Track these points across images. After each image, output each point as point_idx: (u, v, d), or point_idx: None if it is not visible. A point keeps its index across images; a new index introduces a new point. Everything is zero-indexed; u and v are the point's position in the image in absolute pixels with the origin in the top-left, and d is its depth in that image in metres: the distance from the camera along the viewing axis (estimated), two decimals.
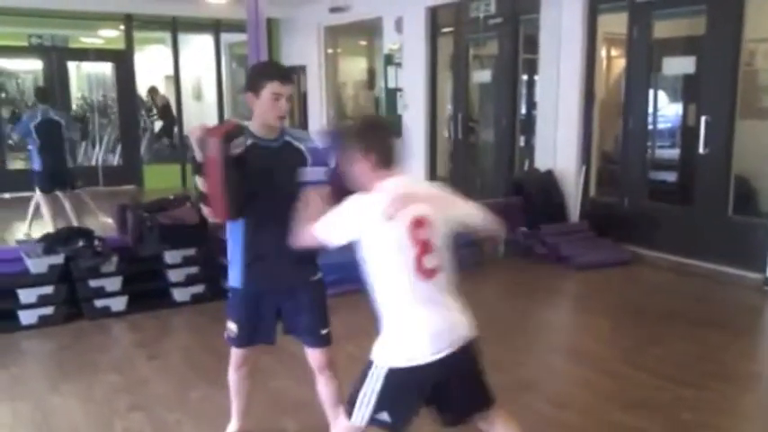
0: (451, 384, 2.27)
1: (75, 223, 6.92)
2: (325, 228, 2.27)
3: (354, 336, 3.32)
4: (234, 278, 2.77)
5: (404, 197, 2.19)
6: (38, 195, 7.29)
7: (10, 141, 7.50)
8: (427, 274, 2.19)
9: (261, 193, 2.59)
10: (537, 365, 4.23)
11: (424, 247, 2.18)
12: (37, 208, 7.43)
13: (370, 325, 2.30)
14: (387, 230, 2.17)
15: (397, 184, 2.23)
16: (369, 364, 2.25)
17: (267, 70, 2.78)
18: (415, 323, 2.20)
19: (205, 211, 2.63)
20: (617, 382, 3.83)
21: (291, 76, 2.73)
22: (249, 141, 2.59)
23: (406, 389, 2.23)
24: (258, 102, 2.60)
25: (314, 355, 2.82)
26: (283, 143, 2.69)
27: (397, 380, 2.20)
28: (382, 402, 2.22)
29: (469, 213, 2.42)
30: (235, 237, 2.73)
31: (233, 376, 2.99)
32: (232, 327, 2.82)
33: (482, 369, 2.35)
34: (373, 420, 2.25)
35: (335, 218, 2.26)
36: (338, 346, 2.88)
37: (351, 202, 2.24)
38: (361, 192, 2.26)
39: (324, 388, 2.86)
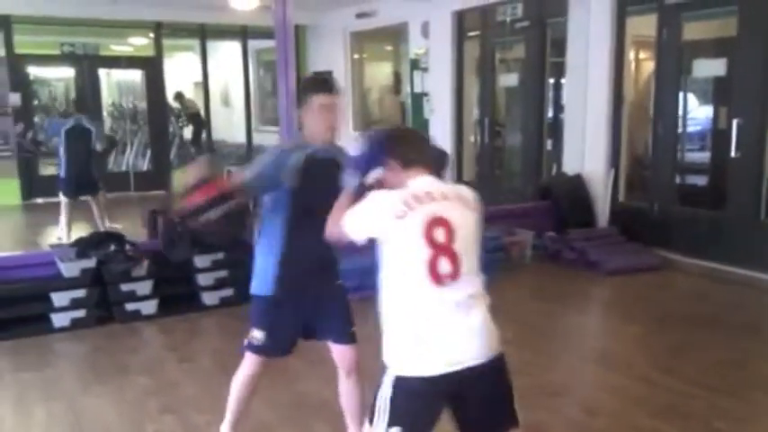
0: (469, 402, 2.15)
1: (102, 228, 7.01)
2: (350, 222, 2.23)
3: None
4: (264, 287, 2.77)
5: (422, 195, 2.11)
6: (61, 201, 7.42)
7: (40, 141, 7.63)
8: (441, 280, 2.06)
9: (309, 203, 2.60)
10: (567, 371, 4.20)
11: (440, 251, 2.06)
12: (68, 212, 7.56)
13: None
14: (398, 228, 2.07)
15: (420, 183, 2.17)
16: (383, 369, 2.16)
17: (313, 82, 2.88)
18: (427, 332, 2.07)
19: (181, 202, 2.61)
20: (648, 389, 3.78)
21: (338, 86, 2.78)
22: (310, 150, 2.68)
23: (414, 399, 2.12)
24: (307, 114, 2.67)
25: (344, 353, 2.83)
26: (333, 154, 2.73)
27: (405, 389, 2.10)
28: (394, 413, 2.11)
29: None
30: (270, 245, 2.75)
31: (247, 386, 2.93)
32: (258, 335, 2.82)
33: (509, 389, 2.22)
34: None
35: (357, 213, 2.20)
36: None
37: (370, 198, 2.20)
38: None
39: (348, 394, 2.87)
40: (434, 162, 2.31)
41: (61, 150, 7.28)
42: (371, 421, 2.19)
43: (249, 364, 2.91)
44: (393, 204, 2.09)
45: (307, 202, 2.63)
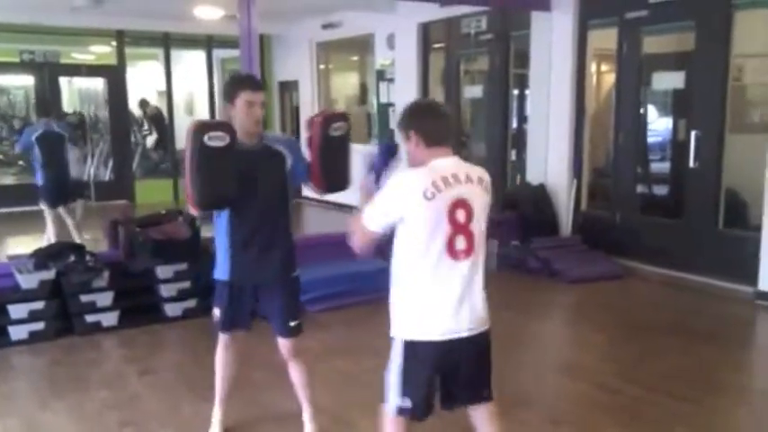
0: (461, 368, 2.38)
1: (77, 238, 6.79)
2: (371, 216, 2.31)
3: (344, 352, 3.31)
4: (221, 271, 3.05)
5: (450, 177, 2.25)
6: (45, 211, 7.09)
7: (12, 153, 7.31)
8: (457, 255, 2.27)
9: (243, 195, 2.85)
10: (531, 380, 4.22)
11: (459, 229, 2.26)
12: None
13: (360, 341, 2.32)
14: (426, 208, 2.22)
15: (446, 164, 2.30)
16: (392, 343, 2.37)
17: (238, 80, 3.09)
18: (437, 300, 2.29)
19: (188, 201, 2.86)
20: (612, 397, 3.83)
21: (261, 84, 3.05)
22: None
23: (421, 364, 2.32)
24: (235, 110, 2.88)
25: (283, 344, 3.14)
26: (262, 147, 2.96)
27: (414, 353, 2.31)
28: (404, 382, 2.32)
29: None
30: (221, 234, 3.02)
31: (221, 356, 3.25)
32: (217, 312, 3.12)
33: (490, 364, 2.48)
34: (399, 411, 2.36)
35: (383, 196, 2.30)
36: (326, 360, 2.89)
37: (394, 181, 2.31)
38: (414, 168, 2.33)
39: (293, 371, 3.22)
40: (455, 139, 2.37)
41: (37, 160, 6.93)
42: (386, 398, 2.39)
43: (220, 339, 3.24)
44: (423, 185, 2.22)
45: (243, 194, 2.85)
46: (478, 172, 2.36)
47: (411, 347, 2.32)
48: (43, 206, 7.06)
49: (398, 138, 2.49)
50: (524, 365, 4.48)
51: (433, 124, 2.34)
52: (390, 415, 2.40)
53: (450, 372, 2.39)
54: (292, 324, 3.09)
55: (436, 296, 2.29)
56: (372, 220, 2.30)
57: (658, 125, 7.84)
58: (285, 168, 2.98)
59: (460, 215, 2.26)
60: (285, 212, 3.04)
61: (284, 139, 3.11)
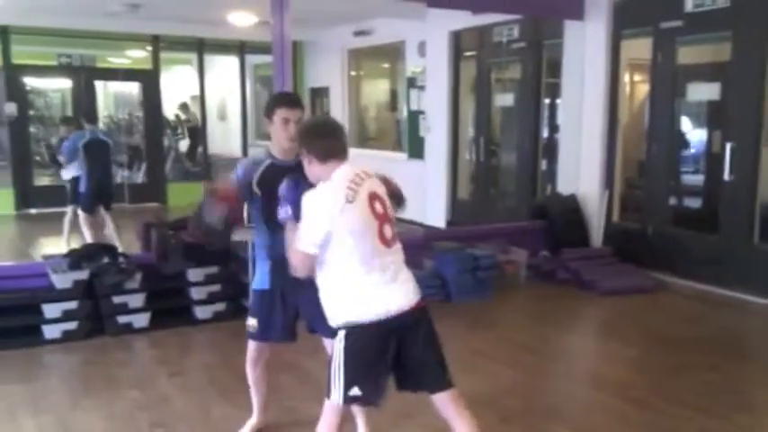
0: (409, 345, 2.48)
1: (117, 242, 6.90)
2: (303, 240, 2.44)
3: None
4: (259, 281, 3.14)
5: (355, 178, 2.46)
6: (80, 216, 7.25)
7: (60, 158, 7.44)
8: (387, 243, 2.48)
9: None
10: (560, 392, 4.18)
11: (383, 219, 2.48)
12: (72, 224, 7.47)
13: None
14: (352, 210, 2.40)
15: (344, 170, 2.49)
16: (332, 342, 2.52)
17: (276, 98, 3.18)
18: (373, 284, 2.44)
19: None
20: (641, 411, 3.77)
21: (299, 101, 3.10)
22: (268, 162, 3.02)
23: (365, 348, 2.44)
24: (272, 126, 2.99)
25: (330, 346, 3.01)
26: (297, 162, 2.90)
27: (356, 338, 2.42)
28: (349, 372, 2.42)
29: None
30: (260, 245, 3.13)
31: (250, 372, 3.30)
32: (252, 322, 3.15)
33: (437, 342, 2.56)
34: (347, 399, 2.44)
35: (305, 226, 2.43)
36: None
37: (310, 204, 2.43)
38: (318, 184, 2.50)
39: None
40: (345, 150, 2.58)
41: (82, 166, 7.09)
42: (329, 395, 2.48)
43: (249, 351, 3.26)
44: (340, 193, 2.41)
45: (272, 205, 2.86)
46: (367, 168, 2.59)
47: (352, 333, 2.43)
48: (79, 212, 7.22)
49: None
50: (554, 377, 4.44)
51: (322, 142, 2.53)
52: (336, 406, 2.48)
53: (400, 351, 2.48)
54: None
55: (372, 281, 2.44)
56: (307, 244, 2.43)
57: (692, 137, 7.75)
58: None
59: (378, 207, 2.48)
60: None
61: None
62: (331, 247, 2.42)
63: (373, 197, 2.48)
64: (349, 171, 2.49)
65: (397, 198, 2.78)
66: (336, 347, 2.47)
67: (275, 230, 2.94)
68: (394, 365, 2.50)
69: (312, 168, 2.55)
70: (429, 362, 2.54)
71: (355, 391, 2.43)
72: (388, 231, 2.49)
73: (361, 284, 2.44)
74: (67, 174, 7.34)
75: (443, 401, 2.57)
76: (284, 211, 2.58)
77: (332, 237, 2.40)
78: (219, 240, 3.13)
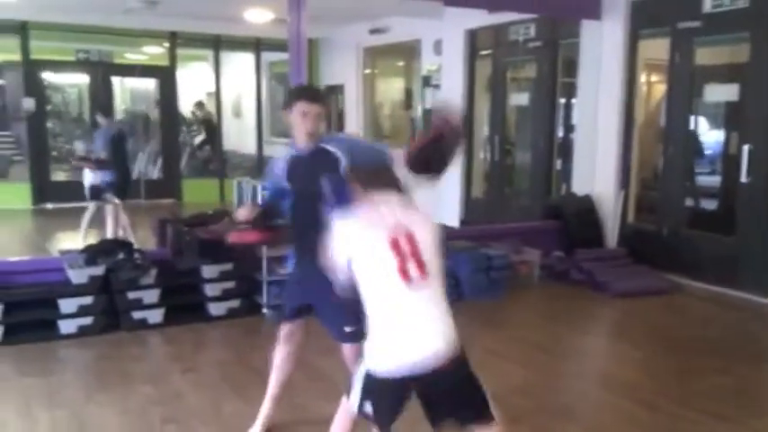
0: (432, 398, 2.35)
1: (132, 237, 6.98)
2: (334, 253, 2.46)
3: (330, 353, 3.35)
4: (289, 265, 3.27)
5: (384, 211, 2.41)
6: (109, 207, 7.35)
7: (67, 149, 7.57)
8: (412, 282, 2.30)
9: (299, 196, 3.08)
10: (572, 393, 4.18)
11: (407, 257, 2.32)
12: (91, 219, 7.55)
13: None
14: (367, 241, 2.37)
15: (381, 201, 2.46)
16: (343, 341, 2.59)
17: (296, 91, 3.25)
18: (394, 331, 2.31)
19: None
20: (652, 413, 3.76)
21: (320, 96, 3.14)
22: (291, 154, 3.12)
23: (381, 392, 2.36)
24: (291, 118, 3.02)
25: (345, 350, 3.11)
26: (316, 150, 3.03)
27: (374, 383, 2.35)
28: (365, 392, 2.38)
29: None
30: (291, 234, 3.20)
31: (279, 351, 3.30)
32: (282, 302, 3.33)
33: (473, 385, 2.40)
34: (360, 409, 2.41)
35: (334, 244, 2.46)
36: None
37: (335, 230, 2.46)
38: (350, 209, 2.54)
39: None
40: (394, 184, 2.55)
41: (106, 156, 7.25)
42: (348, 393, 2.46)
43: (281, 331, 3.31)
44: (357, 224, 2.44)
45: (302, 195, 3.06)
46: (414, 207, 2.52)
47: (372, 377, 2.35)
48: (114, 200, 7.33)
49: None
50: (565, 377, 4.44)
51: (366, 173, 2.58)
52: (351, 410, 2.46)
53: (429, 399, 2.35)
54: (347, 330, 2.99)
55: (391, 332, 2.31)
56: (338, 257, 2.44)
57: (709, 138, 7.68)
58: (339, 169, 2.96)
59: (404, 243, 2.32)
60: None
61: (344, 139, 3.19)
62: (358, 275, 2.38)
63: (399, 234, 2.34)
64: (387, 199, 2.46)
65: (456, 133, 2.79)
66: (362, 366, 2.41)
67: (301, 227, 3.08)
68: (426, 409, 2.39)
69: (356, 192, 2.55)
70: (467, 407, 2.40)
71: (368, 407, 2.38)
72: (413, 272, 2.30)
73: (383, 330, 2.33)
74: (102, 174, 7.38)
75: None
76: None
77: (355, 264, 2.37)
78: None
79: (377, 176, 2.56)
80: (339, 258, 2.42)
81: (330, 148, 3.01)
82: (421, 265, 2.31)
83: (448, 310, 2.39)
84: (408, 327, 2.30)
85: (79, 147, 8.47)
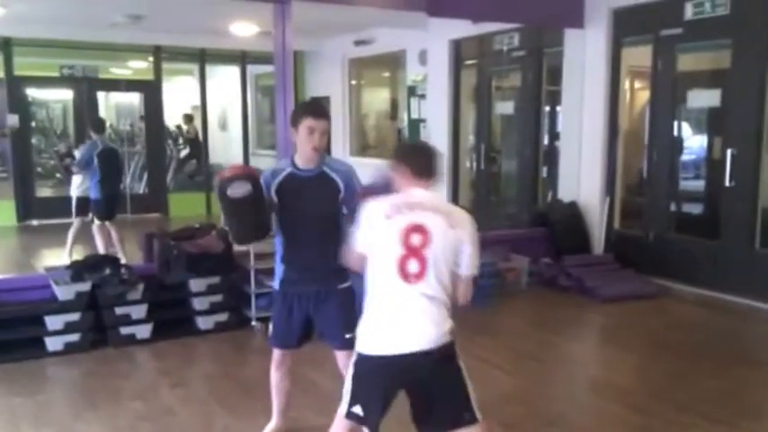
0: (426, 386, 2.40)
1: (121, 253, 6.94)
2: (355, 238, 2.52)
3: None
4: (275, 282, 3.21)
5: (409, 203, 2.42)
6: (95, 225, 7.30)
7: (73, 170, 7.44)
8: (408, 278, 2.36)
9: (294, 215, 3.05)
10: (563, 399, 4.18)
11: (412, 253, 2.36)
12: (76, 236, 7.50)
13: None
14: (382, 228, 2.40)
15: (416, 193, 2.47)
16: (344, 349, 2.59)
17: (303, 107, 3.22)
18: (384, 316, 2.40)
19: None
20: (646, 418, 3.77)
21: (325, 112, 3.12)
22: (288, 171, 3.07)
23: (371, 378, 2.41)
24: (297, 136, 3.01)
25: (339, 357, 3.12)
26: (319, 173, 3.06)
27: (363, 367, 2.41)
28: (355, 391, 2.43)
29: (465, 259, 2.48)
30: (277, 249, 3.19)
31: (273, 374, 3.32)
32: (270, 327, 3.25)
33: (461, 383, 2.45)
34: (349, 414, 2.44)
35: (359, 226, 2.50)
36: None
37: (365, 209, 2.51)
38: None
39: None
40: (435, 176, 2.56)
41: (94, 176, 7.13)
42: (341, 404, 2.49)
43: (273, 356, 3.31)
44: (383, 208, 2.43)
45: (294, 215, 3.06)
46: (450, 207, 2.53)
47: (361, 360, 2.43)
48: (95, 220, 7.25)
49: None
50: (556, 384, 4.44)
51: (420, 160, 2.55)
52: (341, 415, 2.49)
53: (416, 390, 2.43)
54: (347, 336, 2.96)
55: (386, 312, 2.40)
56: (359, 242, 2.50)
57: (693, 143, 7.75)
58: (338, 197, 3.05)
59: (416, 239, 2.36)
60: (334, 239, 2.98)
61: (344, 168, 3.14)
62: (371, 259, 2.45)
63: (415, 228, 2.36)
64: (412, 195, 2.47)
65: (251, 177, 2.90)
66: (352, 361, 2.48)
67: (290, 237, 3.08)
68: (412, 403, 2.46)
69: (400, 179, 2.55)
70: (453, 403, 2.44)
71: (357, 409, 2.42)
72: (413, 267, 2.35)
73: (378, 312, 2.42)
74: (80, 187, 7.37)
75: None
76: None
77: (370, 243, 2.45)
78: (253, 222, 3.01)
79: (421, 167, 2.53)
80: (361, 243, 2.48)
81: (333, 175, 3.07)
82: (423, 262, 2.35)
83: (445, 312, 2.43)
84: (400, 315, 2.38)
85: (61, 147, 8.33)
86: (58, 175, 8.63)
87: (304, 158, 3.04)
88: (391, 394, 2.44)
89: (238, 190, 2.90)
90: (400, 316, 2.38)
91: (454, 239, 2.41)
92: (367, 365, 2.41)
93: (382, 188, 2.65)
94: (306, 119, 2.97)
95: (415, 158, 2.55)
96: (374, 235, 2.43)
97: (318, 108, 3.15)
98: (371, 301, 2.45)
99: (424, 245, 2.36)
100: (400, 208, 2.41)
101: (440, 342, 2.38)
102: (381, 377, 2.41)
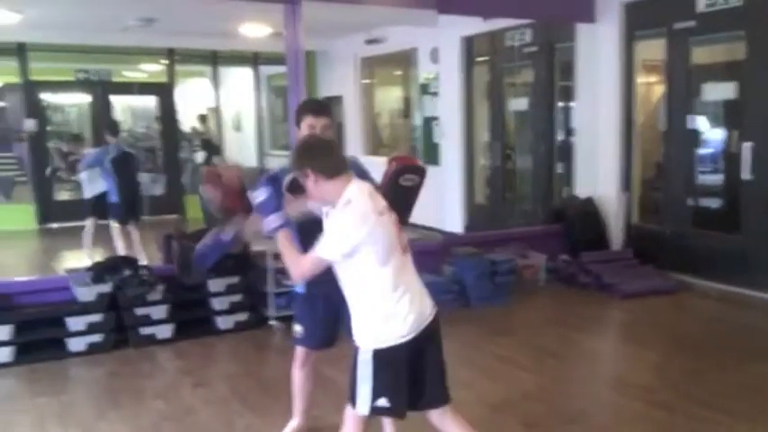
0: (426, 355, 2.50)
1: (142, 255, 6.98)
2: (327, 248, 2.44)
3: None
4: (300, 286, 3.17)
5: (372, 193, 2.51)
6: (113, 227, 7.34)
7: (74, 177, 7.48)
8: (405, 250, 2.54)
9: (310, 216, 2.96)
10: (583, 397, 4.17)
11: (397, 229, 2.53)
12: (93, 236, 7.55)
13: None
14: (382, 224, 2.44)
15: (360, 186, 2.50)
16: (356, 352, 2.50)
17: (303, 106, 3.22)
18: (401, 304, 2.44)
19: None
20: (667, 415, 3.75)
21: (325, 109, 3.15)
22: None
23: (393, 366, 2.43)
24: (300, 134, 3.04)
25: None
26: None
27: (384, 359, 2.42)
28: (378, 387, 2.43)
29: None
30: (299, 250, 3.11)
31: (297, 374, 3.34)
32: (298, 328, 3.24)
33: (443, 356, 2.58)
34: (374, 409, 2.44)
35: (334, 237, 2.43)
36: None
37: (344, 219, 2.42)
38: (328, 204, 2.51)
39: None
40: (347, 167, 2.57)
41: (110, 178, 7.18)
42: (354, 403, 2.48)
43: (297, 356, 3.31)
44: (371, 206, 2.44)
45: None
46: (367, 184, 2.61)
47: (382, 354, 2.43)
48: (113, 223, 7.30)
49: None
50: (576, 381, 4.43)
51: (327, 158, 2.52)
52: (361, 415, 2.49)
53: (418, 363, 2.48)
54: None
55: (400, 299, 2.45)
56: (332, 252, 2.43)
57: (709, 136, 7.69)
58: None
59: (392, 218, 2.52)
60: None
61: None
62: (355, 261, 2.43)
63: (384, 210, 2.50)
64: (364, 187, 2.51)
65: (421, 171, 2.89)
66: (362, 358, 2.47)
67: (307, 237, 3.00)
68: (412, 373, 2.49)
69: (320, 187, 2.49)
70: (439, 370, 2.56)
71: (383, 402, 2.43)
72: (402, 240, 2.54)
73: (394, 302, 2.44)
74: (93, 190, 7.43)
75: (447, 416, 2.57)
76: (272, 221, 2.61)
77: (359, 249, 2.40)
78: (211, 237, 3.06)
79: (337, 162, 2.54)
80: (341, 246, 2.41)
81: None
82: (402, 234, 2.56)
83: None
84: (408, 292, 2.47)
85: (62, 146, 8.27)
86: (73, 178, 8.73)
87: None
88: (410, 370, 2.46)
89: (408, 182, 2.94)
90: (412, 292, 2.48)
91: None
92: (390, 356, 2.42)
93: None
94: (306, 117, 3.03)
95: (324, 159, 2.50)
96: (373, 234, 2.40)
97: (317, 105, 3.21)
98: (377, 297, 2.45)
99: (393, 219, 2.53)
100: (377, 201, 2.49)
101: (435, 310, 2.58)
102: (405, 360, 2.44)
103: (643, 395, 4.04)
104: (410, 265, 2.56)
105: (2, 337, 4.67)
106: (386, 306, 2.45)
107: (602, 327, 5.78)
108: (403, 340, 2.43)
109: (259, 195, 2.64)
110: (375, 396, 2.44)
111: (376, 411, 2.47)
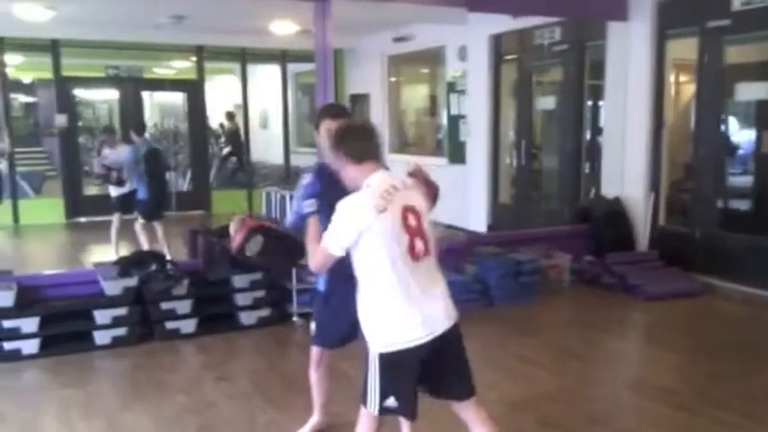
0: (438, 363, 2.46)
1: (167, 249, 7.05)
2: (330, 240, 2.46)
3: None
4: (320, 284, 3.21)
5: (390, 189, 2.43)
6: (138, 223, 7.44)
7: (124, 178, 7.55)
8: (418, 257, 2.43)
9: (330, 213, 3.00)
10: (606, 399, 4.12)
11: (415, 233, 2.42)
12: (119, 231, 7.65)
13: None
14: (381, 222, 2.37)
15: (382, 178, 2.48)
16: (368, 351, 2.48)
17: (322, 110, 3.30)
18: (408, 309, 2.40)
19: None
20: (691, 418, 3.70)
21: (343, 111, 3.22)
22: (326, 170, 2.99)
23: (399, 369, 2.42)
24: (319, 137, 3.11)
25: None
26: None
27: (389, 362, 2.41)
28: (385, 387, 2.42)
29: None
30: None
31: (313, 375, 3.36)
32: (312, 327, 3.28)
33: (466, 356, 2.55)
34: (383, 409, 2.44)
35: (335, 227, 2.45)
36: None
37: (343, 208, 2.44)
38: (354, 191, 2.51)
39: None
40: (380, 153, 2.59)
41: (139, 176, 7.28)
42: (365, 402, 2.48)
43: (312, 356, 3.33)
44: (371, 203, 2.39)
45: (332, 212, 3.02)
46: (406, 182, 2.60)
47: (387, 357, 2.41)
48: (140, 218, 7.39)
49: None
50: (597, 383, 4.39)
51: (356, 143, 2.54)
52: (373, 414, 2.49)
53: (432, 367, 2.46)
54: None
55: (406, 303, 2.40)
56: (333, 244, 2.45)
57: (741, 137, 7.55)
58: None
59: (412, 220, 2.43)
60: None
61: None
62: (361, 256, 2.41)
63: (407, 210, 2.43)
64: (384, 180, 2.48)
65: (434, 193, 2.76)
66: (370, 358, 2.46)
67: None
68: (427, 373, 2.48)
69: (347, 171, 2.54)
70: (460, 372, 2.55)
71: (391, 401, 2.43)
72: (419, 245, 2.43)
73: (397, 306, 2.41)
74: (120, 190, 7.52)
75: (470, 409, 2.57)
76: (308, 205, 2.75)
77: (359, 243, 2.39)
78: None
79: (366, 147, 2.54)
80: (342, 239, 2.41)
81: None
82: (425, 240, 2.46)
83: (443, 279, 2.55)
84: (423, 297, 2.42)
85: (95, 164, 8.37)
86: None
87: (328, 158, 3.05)
88: (418, 372, 2.45)
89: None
90: (424, 298, 2.42)
91: (427, 209, 2.54)
92: (397, 358, 2.40)
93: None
94: (324, 120, 3.06)
95: (353, 143, 2.53)
96: (369, 231, 2.37)
97: (335, 109, 3.28)
98: (380, 295, 2.43)
99: (420, 222, 2.45)
100: (385, 197, 2.40)
101: (454, 317, 2.51)
102: (414, 364, 2.42)
103: (665, 398, 3.98)
104: (430, 270, 2.49)
105: (29, 330, 4.76)
106: (390, 308, 2.41)
107: (625, 328, 5.72)
108: (410, 345, 2.39)
109: (305, 179, 2.87)
110: (383, 396, 2.43)
111: (385, 411, 2.46)
